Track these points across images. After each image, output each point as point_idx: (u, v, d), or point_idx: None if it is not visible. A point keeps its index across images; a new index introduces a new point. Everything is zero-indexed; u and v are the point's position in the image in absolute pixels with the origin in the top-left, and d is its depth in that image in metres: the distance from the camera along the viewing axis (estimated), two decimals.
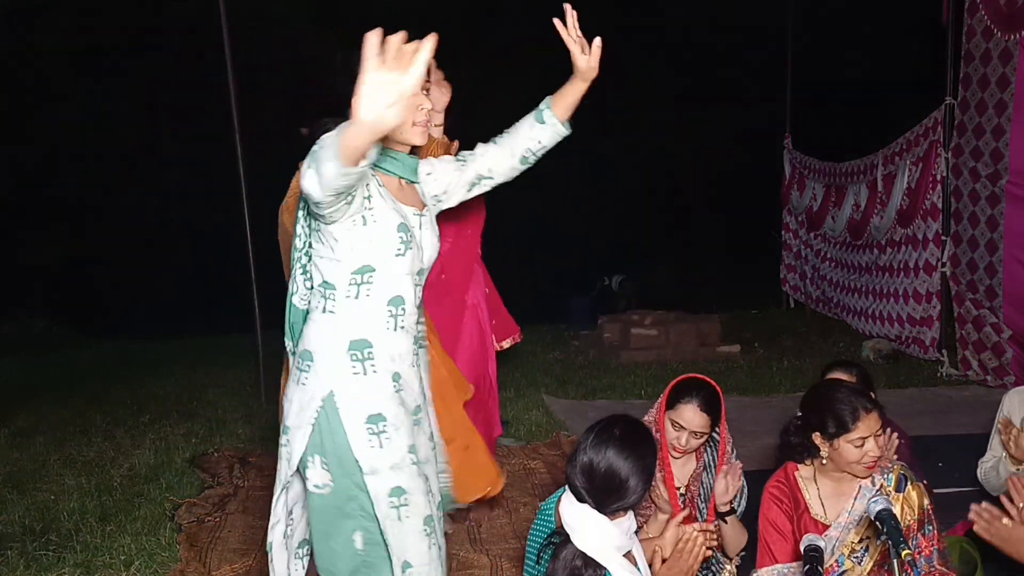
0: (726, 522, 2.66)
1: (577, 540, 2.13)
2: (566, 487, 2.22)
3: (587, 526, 2.12)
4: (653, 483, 2.33)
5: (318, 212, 1.91)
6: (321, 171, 1.75)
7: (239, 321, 6.42)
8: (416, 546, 2.07)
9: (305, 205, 2.05)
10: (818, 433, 2.40)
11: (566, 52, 2.25)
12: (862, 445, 2.32)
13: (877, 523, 2.12)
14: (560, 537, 2.19)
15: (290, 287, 2.18)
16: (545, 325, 9.00)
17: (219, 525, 3.69)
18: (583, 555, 2.10)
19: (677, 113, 14.78)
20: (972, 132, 6.05)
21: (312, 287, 2.12)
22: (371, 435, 2.02)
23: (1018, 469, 2.98)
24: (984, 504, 2.11)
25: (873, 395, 2.89)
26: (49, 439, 5.06)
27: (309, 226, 2.09)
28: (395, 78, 1.56)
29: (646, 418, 2.86)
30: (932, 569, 2.30)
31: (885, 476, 2.38)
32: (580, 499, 2.15)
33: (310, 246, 2.09)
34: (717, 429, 2.76)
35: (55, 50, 13.40)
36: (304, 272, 2.15)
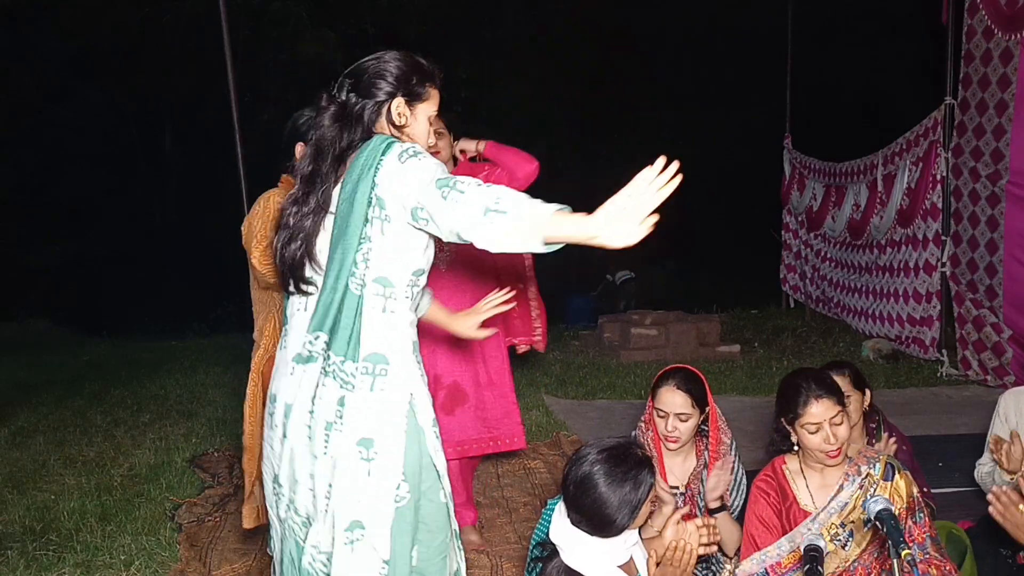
0: (715, 518, 2.66)
1: (565, 556, 2.13)
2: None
3: (574, 544, 2.13)
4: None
5: (436, 232, 1.83)
6: (501, 234, 1.72)
7: (239, 321, 6.45)
8: None
9: (360, 197, 1.87)
10: (782, 419, 2.42)
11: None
12: (816, 431, 2.33)
13: (877, 523, 2.12)
14: (547, 550, 2.19)
15: (337, 277, 1.90)
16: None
17: (219, 525, 3.69)
18: (568, 569, 2.10)
19: (677, 114, 14.80)
20: (972, 132, 6.05)
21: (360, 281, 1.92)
22: (436, 438, 2.02)
23: (1012, 479, 2.97)
24: (1005, 487, 2.12)
25: (869, 391, 2.88)
26: (49, 439, 5.06)
27: (367, 215, 1.89)
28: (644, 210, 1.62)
29: (639, 423, 2.86)
30: (927, 557, 2.29)
31: (872, 466, 2.38)
32: (569, 517, 2.15)
33: (365, 237, 1.90)
34: (706, 424, 2.76)
35: (55, 50, 13.41)
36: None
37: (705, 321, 7.56)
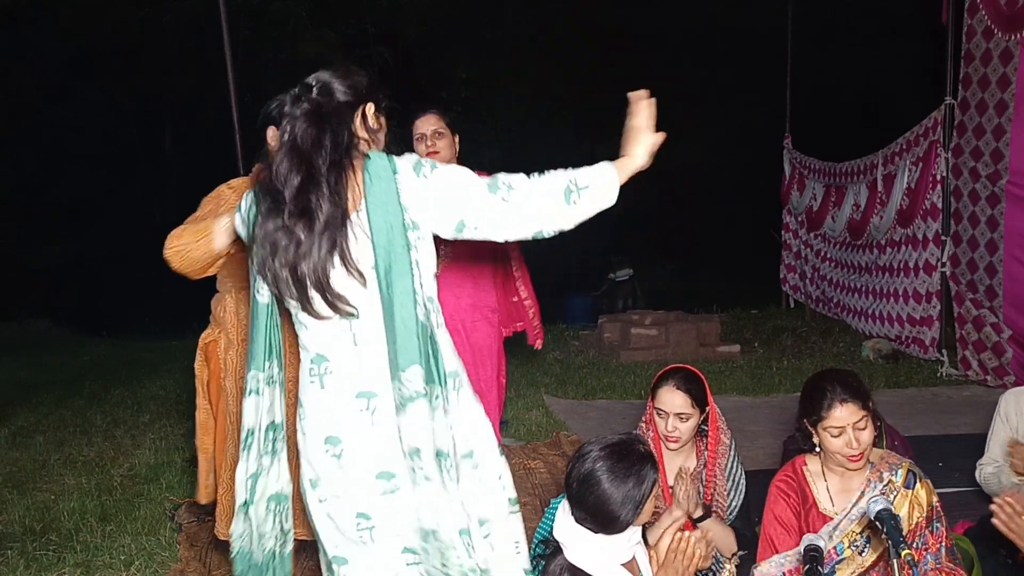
0: (701, 527, 2.64)
1: (568, 554, 2.13)
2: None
3: (577, 542, 2.13)
4: (658, 482, 2.30)
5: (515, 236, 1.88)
6: (587, 208, 1.89)
7: None
8: None
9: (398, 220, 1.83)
10: (805, 420, 2.41)
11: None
12: (839, 435, 2.31)
13: (877, 523, 2.12)
14: (550, 548, 2.19)
15: (403, 308, 1.84)
16: (545, 325, 9.00)
17: None
18: (572, 567, 2.10)
19: (677, 113, 14.78)
20: (972, 132, 6.05)
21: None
22: None
23: (1021, 481, 2.97)
24: (1007, 498, 2.11)
25: (871, 402, 2.87)
26: (49, 439, 5.06)
27: (408, 242, 1.85)
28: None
29: (640, 424, 2.85)
30: (940, 566, 2.28)
31: (894, 472, 2.37)
32: (573, 515, 2.15)
33: (414, 263, 1.88)
34: (707, 423, 2.76)
35: (55, 50, 13.41)
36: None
37: (705, 321, 7.56)
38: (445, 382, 1.88)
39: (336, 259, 1.82)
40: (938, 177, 6.39)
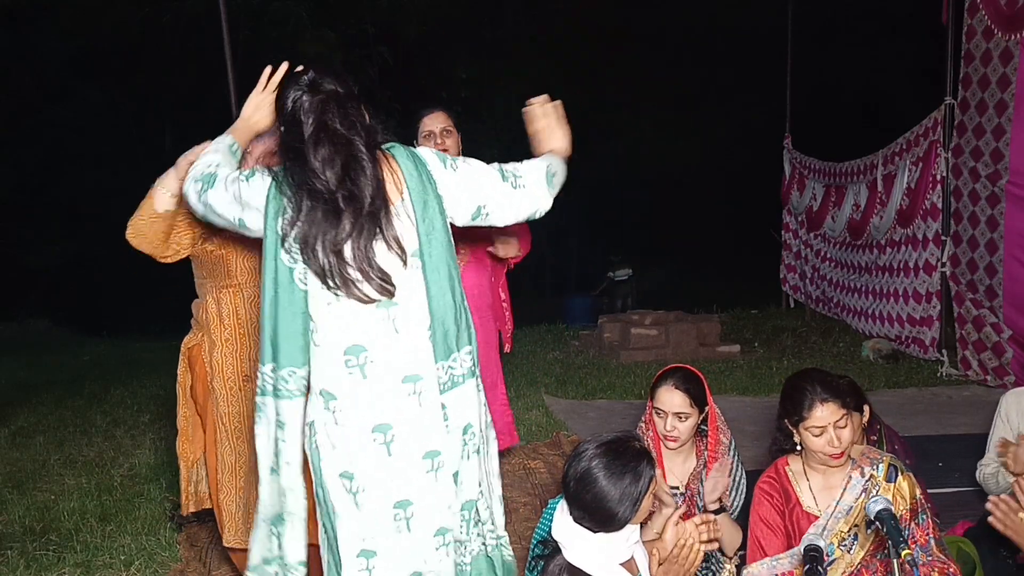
0: (715, 519, 2.66)
1: (567, 553, 2.13)
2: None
3: (576, 541, 2.13)
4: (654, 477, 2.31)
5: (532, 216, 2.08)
6: (556, 191, 2.10)
7: None
8: None
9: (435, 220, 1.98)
10: (786, 420, 2.42)
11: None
12: (820, 434, 2.33)
13: (877, 523, 2.12)
14: (548, 548, 2.19)
15: (452, 291, 1.96)
16: (545, 325, 9.02)
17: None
18: (570, 567, 2.10)
19: (677, 113, 14.80)
20: (972, 132, 6.05)
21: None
22: None
23: (1017, 480, 2.97)
24: (1003, 496, 2.12)
25: (868, 406, 2.86)
26: (49, 439, 5.06)
27: (446, 226, 2.00)
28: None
29: (640, 424, 2.86)
30: (930, 559, 2.29)
31: (876, 467, 2.38)
32: (571, 514, 2.15)
33: (451, 245, 2.04)
34: (706, 423, 2.76)
35: (55, 50, 13.40)
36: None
37: (705, 321, 7.56)
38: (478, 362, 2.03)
39: (379, 242, 1.89)
40: (938, 177, 6.39)
